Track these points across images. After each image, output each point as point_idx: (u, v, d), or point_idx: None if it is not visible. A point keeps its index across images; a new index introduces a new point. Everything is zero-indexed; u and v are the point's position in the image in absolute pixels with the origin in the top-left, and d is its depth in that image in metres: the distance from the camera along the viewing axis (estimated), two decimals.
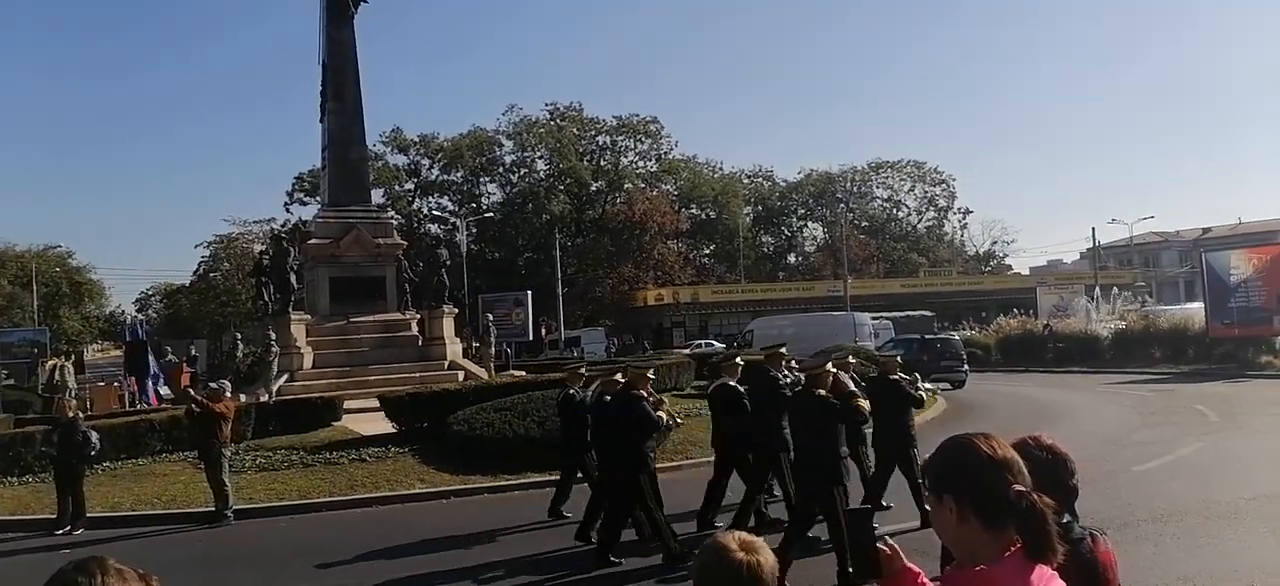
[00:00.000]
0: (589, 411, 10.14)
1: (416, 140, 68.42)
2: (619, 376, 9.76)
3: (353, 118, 25.90)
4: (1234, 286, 27.49)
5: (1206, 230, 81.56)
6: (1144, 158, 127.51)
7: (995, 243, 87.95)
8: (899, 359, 11.05)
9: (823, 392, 8.01)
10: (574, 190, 69.98)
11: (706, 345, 47.93)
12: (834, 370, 8.39)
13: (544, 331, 52.49)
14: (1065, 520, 2.27)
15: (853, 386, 8.68)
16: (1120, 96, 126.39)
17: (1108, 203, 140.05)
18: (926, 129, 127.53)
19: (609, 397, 9.56)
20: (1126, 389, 23.41)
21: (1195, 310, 32.02)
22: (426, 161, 69.72)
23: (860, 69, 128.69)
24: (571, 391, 10.82)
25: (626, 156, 73.17)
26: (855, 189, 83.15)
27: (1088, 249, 73.58)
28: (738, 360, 10.31)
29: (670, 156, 73.39)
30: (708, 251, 77.26)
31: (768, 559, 1.89)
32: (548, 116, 70.03)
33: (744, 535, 1.95)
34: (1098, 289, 49.42)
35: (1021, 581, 1.75)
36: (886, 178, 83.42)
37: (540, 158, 70.26)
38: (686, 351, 40.48)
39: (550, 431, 14.04)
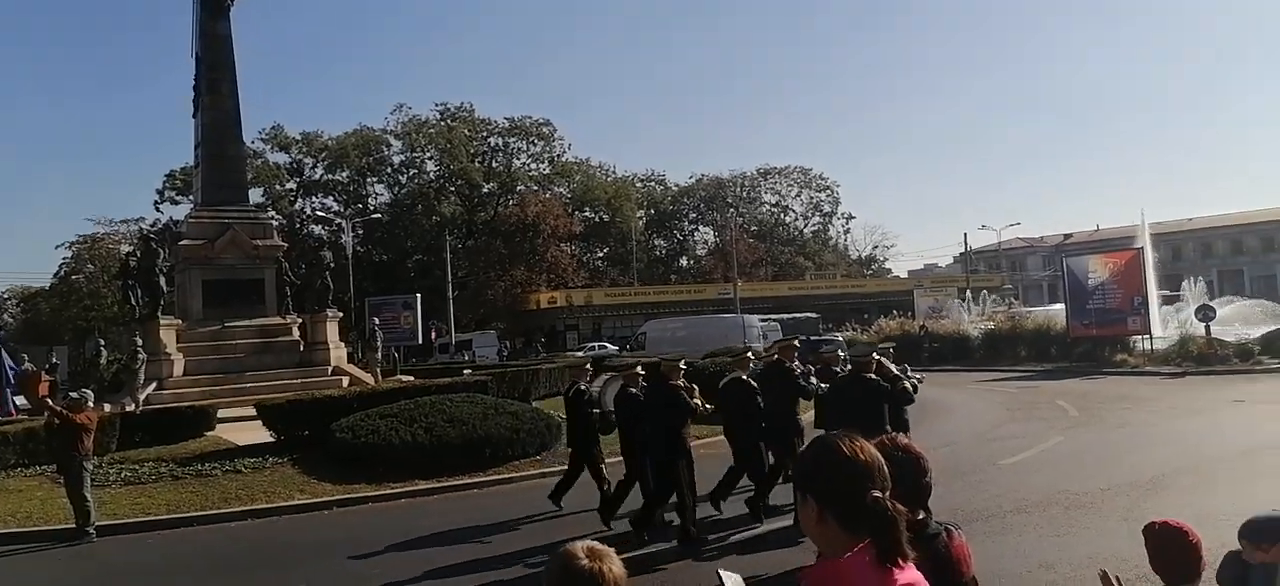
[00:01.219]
0: (615, 403, 10.51)
1: (299, 138, 66.10)
2: (638, 369, 10.44)
3: (229, 113, 24.81)
4: (1092, 289, 29.31)
5: (1068, 236, 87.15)
6: (1012, 166, 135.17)
7: (876, 247, 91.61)
8: (891, 350, 11.58)
9: (872, 376, 8.94)
10: (465, 191, 68.98)
11: (600, 348, 48.08)
12: (878, 357, 9.19)
13: (433, 335, 51.51)
14: (920, 517, 2.39)
15: (896, 371, 9.34)
16: (989, 108, 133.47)
17: (979, 209, 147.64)
18: (812, 136, 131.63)
19: (634, 389, 10.04)
20: (995, 386, 24.66)
21: (1057, 311, 34.00)
22: (309, 160, 67.40)
23: (751, 76, 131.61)
24: (580, 386, 11.25)
25: (519, 158, 72.71)
26: (745, 194, 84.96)
27: (960, 253, 77.35)
28: (749, 354, 11.11)
29: (563, 159, 73.31)
30: (601, 254, 77.47)
31: (614, 567, 1.90)
32: (438, 117, 68.88)
33: (593, 543, 1.95)
34: (969, 291, 52.08)
35: (874, 576, 1.81)
36: (774, 183, 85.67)
37: (430, 158, 68.98)
38: (581, 354, 40.46)
39: (439, 437, 13.82)
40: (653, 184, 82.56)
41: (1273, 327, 30.40)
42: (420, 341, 47.19)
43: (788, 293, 66.70)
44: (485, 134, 70.97)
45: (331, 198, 68.38)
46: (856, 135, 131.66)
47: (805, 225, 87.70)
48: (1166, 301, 34.31)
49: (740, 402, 9.97)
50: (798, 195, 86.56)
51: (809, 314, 50.45)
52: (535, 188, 70.66)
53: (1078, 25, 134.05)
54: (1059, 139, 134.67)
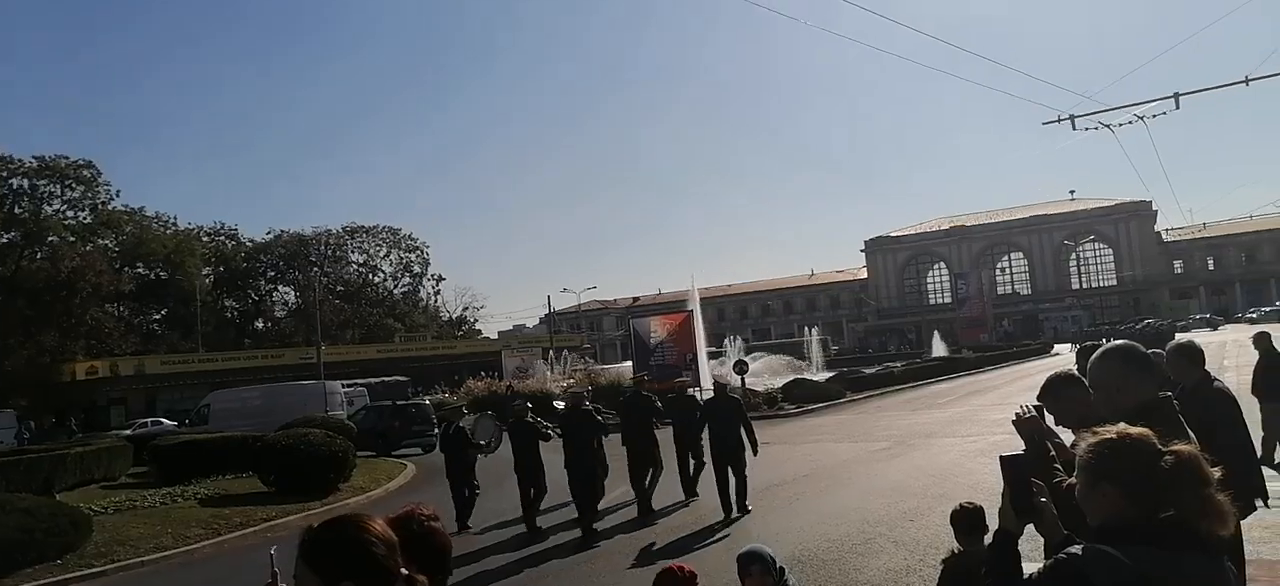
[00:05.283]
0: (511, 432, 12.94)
1: None
2: (528, 404, 14.35)
3: None
4: (654, 347, 32.56)
5: (636, 299, 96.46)
6: (591, 235, 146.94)
7: (467, 308, 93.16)
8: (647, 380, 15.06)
9: (734, 395, 13.25)
10: None
11: (154, 423, 42.42)
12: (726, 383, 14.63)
13: None
14: None
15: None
16: (570, 179, 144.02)
17: (562, 274, 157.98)
18: (399, 196, 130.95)
19: (529, 420, 12.92)
20: None
21: (628, 367, 37.28)
22: None
23: (333, 132, 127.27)
24: (460, 424, 13.82)
25: (51, 204, 61.90)
26: (330, 252, 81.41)
27: (546, 315, 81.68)
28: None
29: (110, 207, 63.95)
30: (158, 316, 68.78)
31: None
32: None
33: None
34: (552, 351, 55.04)
35: None
36: (362, 242, 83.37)
37: None
38: (127, 433, 35.26)
39: None
40: (222, 239, 75.61)
41: (792, 377, 36.43)
42: None
43: (376, 355, 64.66)
44: (6, 174, 59.44)
45: None
46: (441, 199, 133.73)
47: (395, 286, 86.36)
48: (712, 356, 39.35)
49: (583, 431, 12.19)
50: (386, 255, 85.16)
51: (399, 377, 49.39)
52: (72, 240, 60.66)
53: (641, 112, 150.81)
54: (629, 212, 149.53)
